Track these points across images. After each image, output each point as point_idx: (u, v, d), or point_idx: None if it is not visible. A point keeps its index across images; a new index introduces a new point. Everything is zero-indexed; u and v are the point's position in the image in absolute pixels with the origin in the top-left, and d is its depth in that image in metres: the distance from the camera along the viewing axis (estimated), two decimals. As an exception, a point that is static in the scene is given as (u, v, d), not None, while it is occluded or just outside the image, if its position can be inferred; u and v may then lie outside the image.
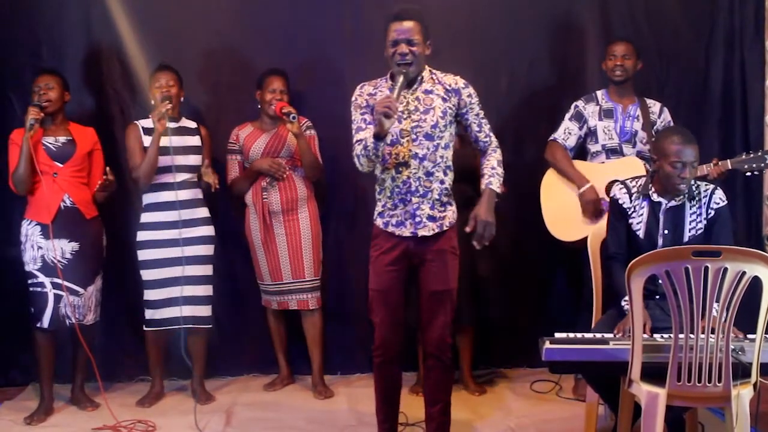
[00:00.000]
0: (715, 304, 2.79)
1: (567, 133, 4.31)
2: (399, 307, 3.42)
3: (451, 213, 3.41)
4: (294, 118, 4.18)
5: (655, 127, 4.22)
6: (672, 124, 4.28)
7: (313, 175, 4.43)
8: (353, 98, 3.43)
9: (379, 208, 3.43)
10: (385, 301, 3.40)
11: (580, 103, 4.33)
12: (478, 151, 3.51)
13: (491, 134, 3.45)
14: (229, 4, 4.71)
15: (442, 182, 3.36)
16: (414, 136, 3.31)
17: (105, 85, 4.65)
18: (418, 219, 3.33)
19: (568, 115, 4.34)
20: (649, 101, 4.32)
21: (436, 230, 3.35)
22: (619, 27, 4.72)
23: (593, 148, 4.29)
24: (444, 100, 3.35)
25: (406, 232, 3.35)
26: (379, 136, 3.18)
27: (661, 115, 4.29)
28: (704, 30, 4.77)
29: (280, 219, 4.39)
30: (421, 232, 3.34)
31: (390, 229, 3.38)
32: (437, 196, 3.35)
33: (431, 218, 3.34)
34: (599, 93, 4.34)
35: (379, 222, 3.42)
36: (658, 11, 4.77)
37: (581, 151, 4.36)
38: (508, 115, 4.77)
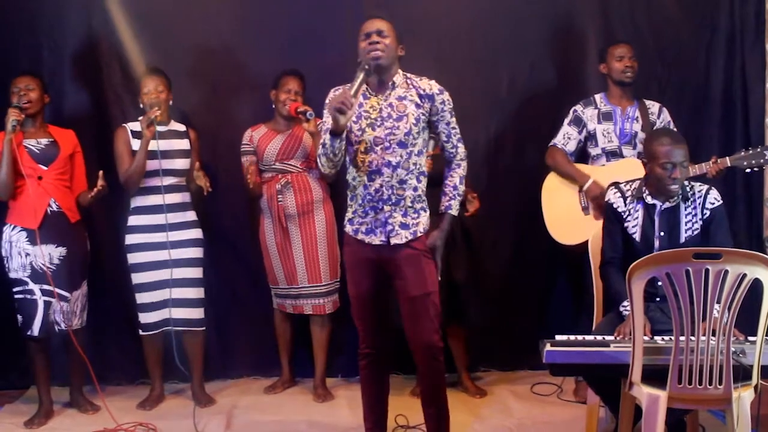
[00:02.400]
0: (716, 306, 2.79)
1: (566, 137, 4.31)
2: (379, 312, 3.40)
3: (424, 219, 3.36)
4: (311, 116, 4.15)
5: (654, 128, 4.22)
6: (672, 123, 4.29)
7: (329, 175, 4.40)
8: (327, 100, 3.37)
9: (349, 215, 3.40)
10: (365, 307, 3.39)
11: (578, 107, 4.33)
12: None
13: (459, 145, 3.41)
14: (230, 7, 4.70)
15: (415, 189, 3.31)
16: (387, 144, 3.26)
17: (105, 88, 4.65)
18: (390, 227, 3.29)
19: (566, 120, 4.33)
20: (648, 102, 4.32)
21: (409, 237, 3.30)
22: (620, 29, 4.71)
23: (593, 151, 4.29)
24: (417, 106, 3.30)
25: (376, 240, 3.31)
26: (335, 133, 3.15)
27: (660, 115, 4.30)
28: (705, 32, 4.77)
29: (296, 222, 4.37)
30: (394, 240, 3.29)
31: (360, 236, 3.34)
32: (410, 203, 3.31)
33: (404, 226, 3.30)
34: (597, 97, 4.34)
35: (348, 229, 3.39)
36: (659, 13, 4.77)
37: (582, 156, 4.35)
38: (508, 118, 4.77)
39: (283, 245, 4.39)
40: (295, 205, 4.35)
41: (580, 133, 4.29)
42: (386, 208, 3.29)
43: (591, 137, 4.28)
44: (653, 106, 4.31)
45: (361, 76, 3.18)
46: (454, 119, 3.38)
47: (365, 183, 3.29)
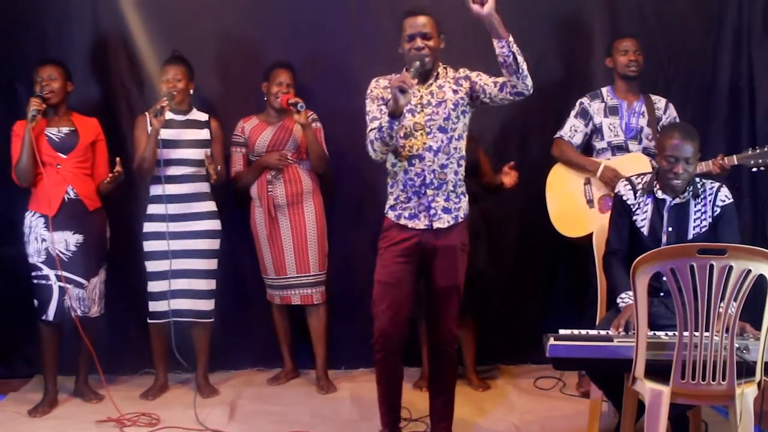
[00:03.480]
0: (722, 302, 2.78)
1: (573, 130, 4.30)
2: (405, 301, 3.42)
3: (465, 204, 3.44)
4: (302, 107, 4.18)
5: (660, 123, 4.21)
6: (677, 119, 4.27)
7: (319, 166, 4.43)
8: (369, 91, 3.42)
9: (391, 201, 3.44)
10: (392, 294, 3.39)
11: (585, 100, 4.32)
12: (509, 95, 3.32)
13: None
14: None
15: (456, 173, 3.38)
16: (428, 129, 3.32)
17: (112, 77, 4.65)
18: (433, 211, 3.35)
19: (573, 113, 4.32)
20: (654, 97, 4.31)
21: (452, 222, 3.38)
22: (627, 23, 4.70)
23: (599, 145, 4.28)
24: (455, 91, 3.37)
25: (420, 224, 3.36)
26: (394, 114, 3.16)
27: (666, 111, 4.28)
28: (712, 27, 4.76)
29: (285, 212, 4.39)
30: (437, 225, 3.35)
31: (402, 221, 3.39)
32: (452, 188, 3.38)
33: (446, 210, 3.37)
34: (604, 90, 4.33)
35: (391, 215, 3.43)
36: (666, 8, 4.76)
37: (587, 149, 4.34)
38: (514, 112, 4.75)
39: (272, 235, 4.41)
40: (285, 195, 4.37)
41: (586, 126, 4.29)
42: (429, 192, 3.35)
43: (597, 131, 4.27)
44: (659, 101, 4.30)
45: (417, 63, 3.27)
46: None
47: (406, 168, 3.35)
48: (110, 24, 4.60)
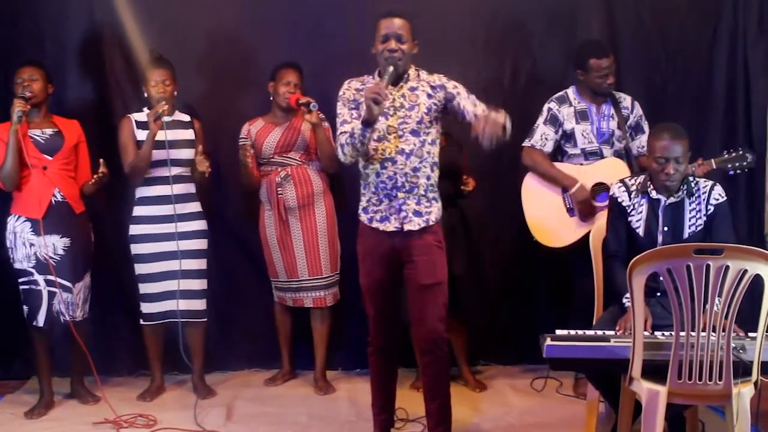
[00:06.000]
0: (716, 300, 2.78)
1: (544, 138, 4.20)
2: (390, 302, 3.45)
3: (436, 209, 3.42)
4: (314, 107, 4.16)
5: (628, 123, 4.18)
6: (643, 117, 4.23)
7: (330, 166, 4.39)
8: (340, 93, 3.45)
9: (363, 203, 3.45)
10: (376, 296, 3.44)
11: (553, 105, 4.22)
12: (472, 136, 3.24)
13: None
14: (234, -4, 4.70)
15: (428, 178, 3.37)
16: (400, 133, 3.32)
17: (108, 77, 4.65)
18: (403, 214, 3.34)
19: (541, 119, 4.22)
20: (619, 95, 4.25)
21: (422, 225, 3.36)
22: (624, 23, 4.71)
23: (571, 150, 4.21)
24: (429, 96, 3.37)
25: (390, 227, 3.36)
26: (367, 123, 3.20)
27: (633, 110, 4.23)
28: (708, 26, 4.75)
29: (296, 215, 4.37)
30: (407, 227, 3.35)
31: (374, 224, 3.39)
32: (423, 192, 3.36)
33: (417, 213, 3.36)
34: (570, 92, 4.25)
35: (363, 218, 3.44)
36: (663, 7, 4.76)
37: (555, 152, 4.27)
38: (511, 111, 4.68)
39: (282, 238, 4.39)
40: (296, 197, 4.35)
41: (556, 132, 4.20)
42: (400, 195, 3.34)
43: (568, 136, 4.19)
44: (625, 100, 4.24)
45: (390, 69, 3.27)
46: (473, 96, 3.39)
47: (378, 171, 3.35)
48: (106, 24, 4.59)
